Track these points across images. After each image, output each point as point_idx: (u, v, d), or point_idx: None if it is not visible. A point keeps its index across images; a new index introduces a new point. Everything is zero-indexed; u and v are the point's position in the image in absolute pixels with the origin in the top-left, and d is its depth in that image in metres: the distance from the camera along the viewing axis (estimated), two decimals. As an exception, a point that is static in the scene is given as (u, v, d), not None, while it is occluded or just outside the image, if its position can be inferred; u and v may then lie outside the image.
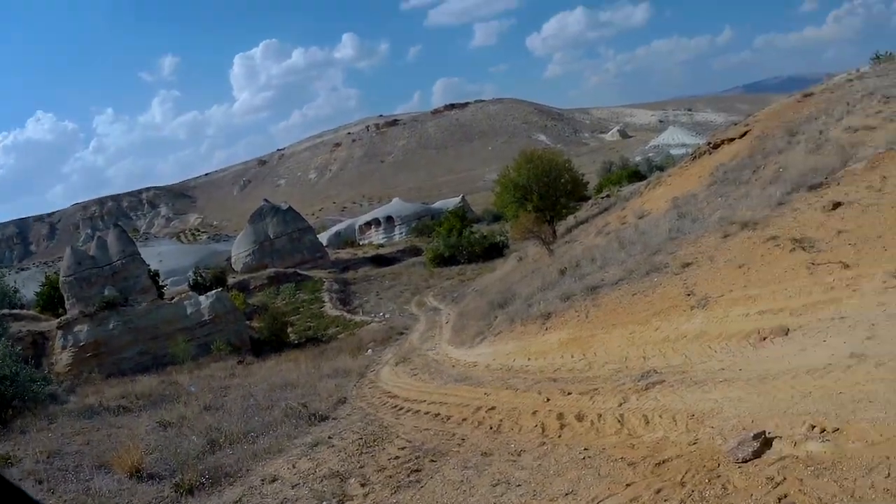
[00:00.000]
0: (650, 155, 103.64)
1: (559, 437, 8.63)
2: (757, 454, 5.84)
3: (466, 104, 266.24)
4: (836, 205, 12.39)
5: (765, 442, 5.94)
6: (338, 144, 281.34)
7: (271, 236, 66.12)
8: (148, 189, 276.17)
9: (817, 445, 5.58)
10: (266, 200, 74.13)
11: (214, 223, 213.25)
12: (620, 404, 8.87)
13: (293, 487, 9.78)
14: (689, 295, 12.28)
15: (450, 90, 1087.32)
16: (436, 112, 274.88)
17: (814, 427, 5.84)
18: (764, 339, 9.30)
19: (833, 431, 5.68)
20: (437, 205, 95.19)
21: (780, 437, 5.95)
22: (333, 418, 14.00)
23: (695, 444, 6.71)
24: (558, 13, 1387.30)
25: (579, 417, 8.93)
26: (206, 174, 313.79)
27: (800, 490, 5.08)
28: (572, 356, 12.54)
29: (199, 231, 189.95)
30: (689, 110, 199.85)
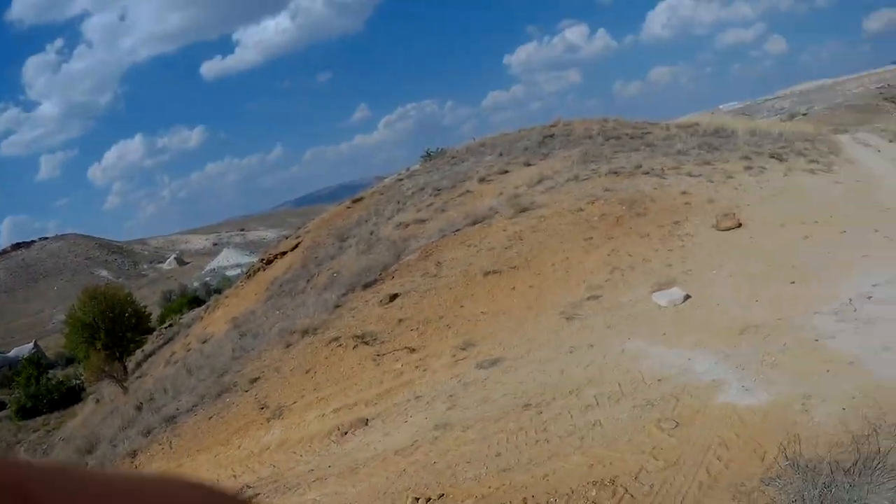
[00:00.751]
0: (207, 279, 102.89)
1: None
2: (368, 539, 5.59)
3: (32, 242, 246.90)
4: (394, 297, 12.97)
5: (374, 525, 5.72)
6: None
7: None
8: None
9: (427, 515, 5.49)
10: None
11: None
12: (216, 528, 8.19)
13: None
14: (262, 408, 11.94)
15: (17, 229, 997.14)
16: (3, 253, 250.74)
17: (418, 499, 5.82)
18: (345, 433, 9.24)
19: (438, 498, 5.71)
20: (13, 353, 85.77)
21: (388, 519, 5.77)
22: None
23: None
24: (119, 141, 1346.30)
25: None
26: None
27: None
28: (165, 490, 11.57)
29: None
30: (242, 230, 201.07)
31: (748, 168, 18.59)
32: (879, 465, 4.55)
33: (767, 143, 24.11)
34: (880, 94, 79.52)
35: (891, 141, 24.81)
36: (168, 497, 0.43)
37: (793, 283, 9.63)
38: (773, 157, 20.57)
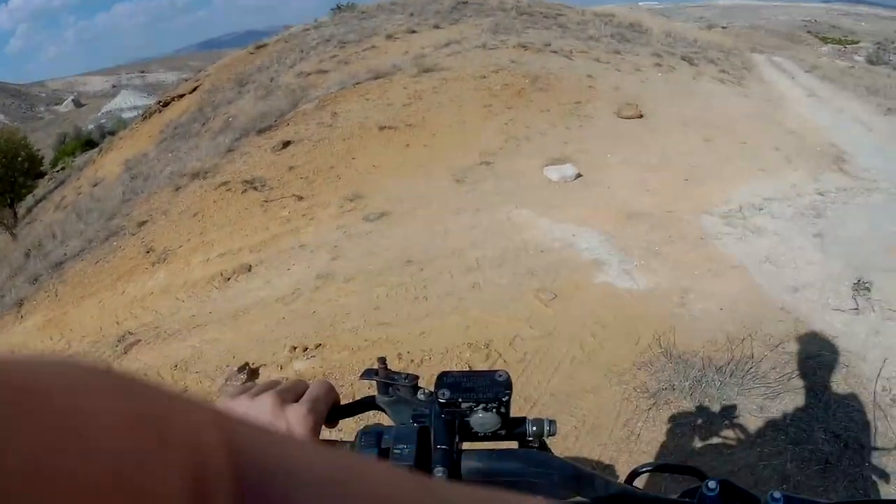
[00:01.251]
0: (103, 121, 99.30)
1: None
2: (249, 384, 5.66)
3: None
4: (286, 144, 12.81)
5: (251, 372, 5.84)
6: None
7: None
8: None
9: (303, 363, 5.66)
10: None
11: None
12: (106, 374, 8.14)
13: None
14: (148, 252, 11.71)
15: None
16: None
17: (295, 348, 5.90)
18: (228, 279, 9.19)
19: (316, 348, 5.78)
20: None
21: (266, 365, 5.87)
22: None
23: (186, 391, 6.29)
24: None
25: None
26: None
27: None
28: (51, 339, 11.31)
29: None
30: (143, 72, 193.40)
31: (658, 65, 18.76)
32: (752, 370, 4.73)
33: (681, 45, 24.41)
34: (805, 26, 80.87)
35: (807, 72, 25.26)
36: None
37: (686, 180, 9.83)
38: (684, 59, 20.83)
